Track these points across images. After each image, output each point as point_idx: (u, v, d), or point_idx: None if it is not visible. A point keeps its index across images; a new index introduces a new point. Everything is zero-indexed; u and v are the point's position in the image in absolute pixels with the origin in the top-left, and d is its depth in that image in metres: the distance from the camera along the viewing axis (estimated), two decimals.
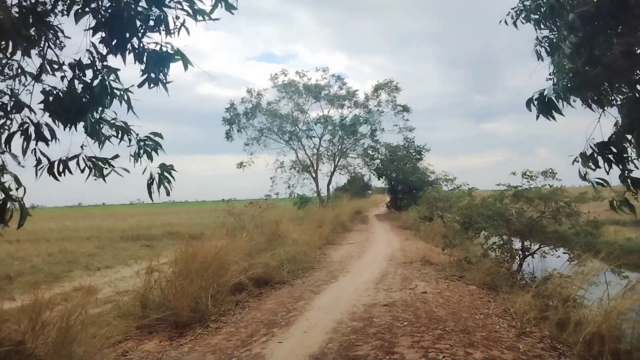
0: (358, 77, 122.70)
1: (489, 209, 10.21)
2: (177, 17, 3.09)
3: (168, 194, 3.33)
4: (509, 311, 6.44)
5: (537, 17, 4.44)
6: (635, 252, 14.31)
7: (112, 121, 3.35)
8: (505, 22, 4.83)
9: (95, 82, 3.14)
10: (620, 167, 3.19)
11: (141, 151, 3.36)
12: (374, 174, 37.69)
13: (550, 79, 3.70)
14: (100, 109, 3.28)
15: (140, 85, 3.19)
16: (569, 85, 3.24)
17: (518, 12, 4.68)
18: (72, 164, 3.21)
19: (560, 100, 3.23)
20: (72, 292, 9.32)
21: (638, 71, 3.28)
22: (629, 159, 3.18)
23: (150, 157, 3.37)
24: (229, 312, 6.82)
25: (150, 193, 3.28)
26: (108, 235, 23.27)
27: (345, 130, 34.02)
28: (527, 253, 9.68)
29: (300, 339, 5.36)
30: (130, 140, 3.39)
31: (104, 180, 3.30)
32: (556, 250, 9.30)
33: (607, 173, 3.22)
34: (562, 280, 7.30)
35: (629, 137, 3.16)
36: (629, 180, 3.14)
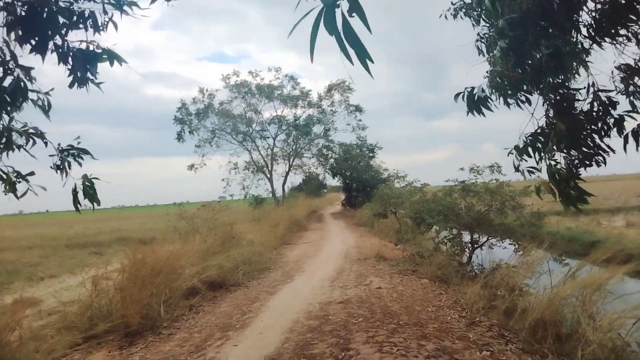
0: (311, 77, 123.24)
1: (440, 204, 10.51)
2: (105, 12, 2.94)
3: (98, 203, 3.17)
4: (460, 302, 6.65)
5: (476, 13, 4.59)
6: (576, 240, 15.20)
7: (24, 128, 3.13)
8: (446, 16, 4.99)
9: (8, 82, 2.91)
10: (548, 158, 3.38)
11: (64, 162, 3.15)
12: (328, 173, 37.99)
13: (487, 77, 3.85)
14: (10, 113, 3.05)
15: (70, 86, 3.02)
16: (499, 85, 3.39)
17: (458, 8, 4.83)
18: None
19: (500, 98, 3.38)
20: (11, 305, 8.78)
21: (561, 75, 3.49)
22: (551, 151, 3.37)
23: (80, 163, 3.18)
24: (182, 317, 6.65)
25: (75, 203, 3.10)
26: (52, 244, 22.06)
27: (299, 130, 34.05)
28: (476, 245, 10.04)
29: (256, 340, 5.30)
30: (46, 144, 3.17)
31: (16, 197, 3.08)
32: (503, 242, 9.70)
33: (537, 163, 3.42)
34: (508, 270, 7.63)
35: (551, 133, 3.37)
36: (553, 170, 3.34)
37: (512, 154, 3.47)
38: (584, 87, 3.50)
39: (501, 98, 3.48)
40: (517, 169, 3.48)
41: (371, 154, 35.06)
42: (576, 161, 3.42)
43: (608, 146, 3.39)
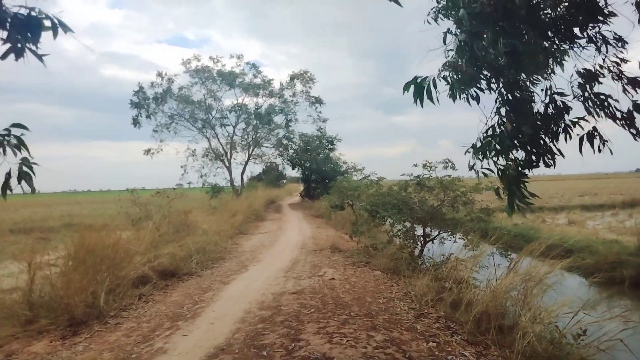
0: (273, 65, 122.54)
1: (395, 197, 10.71)
2: None
3: (33, 191, 2.96)
4: (410, 294, 6.84)
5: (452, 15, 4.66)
6: (521, 236, 15.90)
7: None
8: (428, 21, 5.03)
9: None
10: (504, 158, 3.45)
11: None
12: (288, 164, 37.87)
13: (441, 70, 3.90)
14: None
15: (3, 57, 2.74)
16: (452, 79, 3.41)
17: (437, 11, 4.89)
18: None
19: (450, 91, 3.41)
20: None
21: (518, 75, 3.57)
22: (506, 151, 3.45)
23: (12, 151, 2.93)
24: (131, 306, 6.49)
25: (5, 190, 2.89)
26: None
27: (260, 120, 33.65)
28: (428, 239, 10.31)
29: (206, 330, 5.25)
30: None
31: None
32: (453, 236, 10.03)
33: (495, 164, 3.46)
34: (457, 263, 7.90)
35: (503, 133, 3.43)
36: (508, 172, 3.43)
37: (469, 152, 3.48)
38: (542, 89, 3.58)
39: (450, 91, 3.47)
40: (471, 168, 3.49)
41: (331, 146, 35.21)
42: (523, 162, 3.51)
43: (558, 150, 3.49)
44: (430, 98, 3.26)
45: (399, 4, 1.50)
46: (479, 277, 7.50)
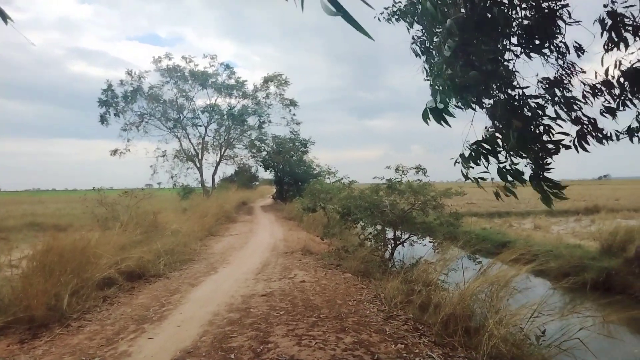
0: (247, 66, 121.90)
1: (366, 200, 10.77)
2: None
3: None
4: (380, 296, 6.87)
5: (410, 17, 4.73)
6: (489, 240, 16.25)
7: None
8: (379, 19, 5.12)
9: None
10: (496, 161, 3.47)
11: None
12: (260, 166, 37.65)
13: (427, 80, 3.94)
14: None
15: None
16: (447, 89, 3.43)
17: (391, 13, 4.97)
18: None
19: (453, 102, 3.44)
20: None
21: (505, 79, 3.63)
22: (500, 153, 3.48)
23: None
24: (95, 309, 6.29)
25: None
26: None
27: (233, 121, 33.36)
28: (398, 242, 10.41)
29: (173, 333, 5.14)
30: None
31: None
32: (423, 239, 10.15)
33: (486, 167, 3.47)
34: (426, 266, 8.00)
35: (499, 135, 3.48)
36: (504, 172, 3.45)
37: (459, 162, 3.46)
38: (519, 94, 3.64)
39: (454, 102, 3.48)
40: (466, 177, 3.46)
41: (304, 149, 35.20)
42: (536, 157, 3.49)
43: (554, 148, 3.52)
44: (449, 115, 3.27)
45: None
46: (448, 280, 7.62)
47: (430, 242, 9.90)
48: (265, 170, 37.96)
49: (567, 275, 10.85)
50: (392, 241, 10.48)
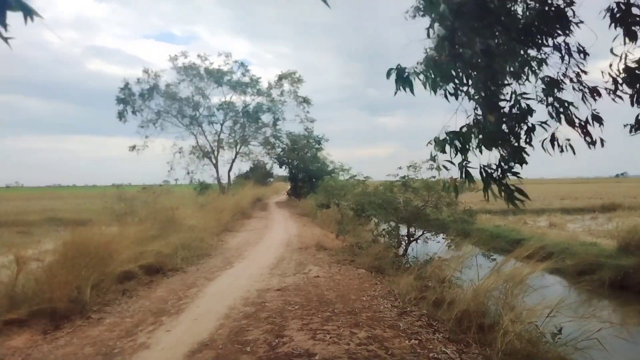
0: (261, 64, 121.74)
1: (380, 197, 10.79)
2: None
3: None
4: (393, 292, 6.90)
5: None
6: (503, 237, 16.11)
7: None
8: (405, 18, 5.12)
9: None
10: (462, 156, 3.50)
11: None
12: (275, 162, 37.79)
13: (420, 63, 3.96)
14: None
15: None
16: (430, 75, 3.46)
17: (416, 9, 4.97)
18: None
19: (429, 83, 3.46)
20: None
21: (491, 73, 3.61)
22: (470, 149, 3.49)
23: None
24: (115, 301, 6.45)
25: None
26: None
27: (248, 118, 33.52)
28: (412, 239, 10.41)
29: (190, 326, 5.25)
30: None
31: None
32: (437, 236, 10.14)
33: (452, 159, 3.51)
34: (440, 263, 8.01)
35: (475, 130, 3.49)
36: (464, 170, 3.49)
37: (432, 144, 3.52)
38: (509, 92, 3.65)
39: (430, 83, 3.52)
40: (432, 159, 3.54)
41: (318, 146, 35.22)
42: (502, 160, 3.54)
43: (524, 147, 3.56)
44: (411, 88, 3.32)
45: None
46: (462, 277, 7.62)
47: (443, 238, 9.89)
48: (280, 167, 38.13)
49: (583, 273, 10.74)
50: (405, 238, 10.49)
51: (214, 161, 33.89)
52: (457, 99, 3.57)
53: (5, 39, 2.80)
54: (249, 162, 38.53)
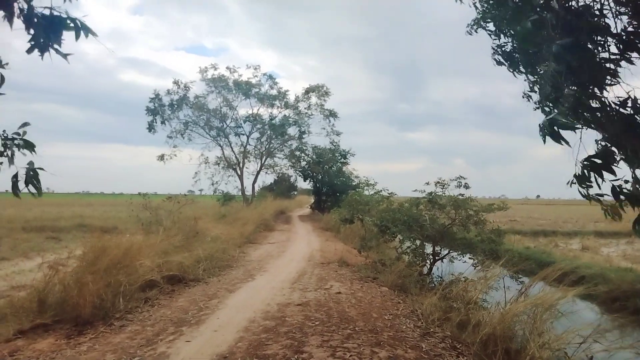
0: (289, 76, 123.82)
1: (405, 214, 10.64)
2: None
3: (40, 194, 3.11)
4: (416, 312, 6.73)
5: (492, 27, 4.66)
6: (532, 260, 15.65)
7: None
8: (469, 32, 5.05)
9: None
10: (612, 177, 3.22)
11: (7, 151, 3.06)
12: (300, 175, 37.91)
13: (526, 96, 3.78)
14: None
15: (29, 51, 2.90)
16: (561, 111, 3.24)
17: (476, 22, 4.91)
18: None
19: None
20: None
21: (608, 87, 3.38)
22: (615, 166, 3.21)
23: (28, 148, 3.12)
24: (137, 309, 6.50)
25: (15, 191, 3.08)
26: (8, 226, 21.17)
27: (274, 130, 33.82)
28: (437, 257, 10.20)
29: (210, 337, 5.23)
30: None
31: None
32: (463, 256, 9.89)
33: (599, 187, 3.25)
34: (466, 284, 7.79)
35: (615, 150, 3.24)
36: (619, 190, 3.22)
37: (575, 183, 3.27)
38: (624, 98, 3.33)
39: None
40: (588, 197, 3.29)
41: (343, 160, 35.18)
42: None
43: None
44: (561, 138, 3.14)
45: None
46: (488, 299, 7.40)
47: (470, 258, 9.65)
48: (304, 180, 38.20)
49: (617, 300, 10.29)
50: (430, 256, 10.28)
51: (239, 172, 34.23)
52: (597, 123, 3.33)
53: (64, 56, 3.01)
54: (274, 174, 38.84)
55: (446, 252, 10.32)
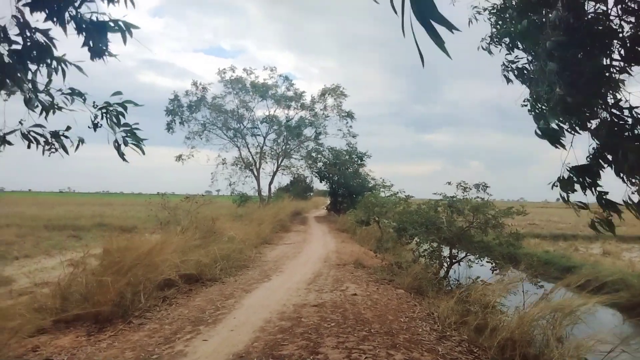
0: (305, 78, 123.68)
1: (423, 216, 10.56)
2: None
3: (143, 152, 3.39)
4: (433, 315, 6.68)
5: (507, 41, 4.63)
6: (552, 264, 15.39)
7: (64, 92, 3.29)
8: (482, 47, 5.03)
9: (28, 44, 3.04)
10: (594, 190, 3.25)
11: (103, 119, 3.34)
12: (316, 176, 37.88)
13: (524, 105, 3.82)
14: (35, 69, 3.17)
15: (92, 58, 3.17)
16: (550, 113, 3.27)
17: (491, 37, 4.89)
18: (13, 138, 3.16)
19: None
20: None
21: (609, 94, 3.36)
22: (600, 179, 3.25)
23: (118, 124, 3.39)
24: (155, 308, 6.58)
25: (121, 155, 3.36)
26: (31, 224, 21.64)
27: (291, 132, 33.91)
28: (454, 260, 10.09)
29: (226, 337, 5.27)
30: (83, 100, 3.37)
31: (66, 152, 3.35)
32: (481, 260, 9.76)
33: (585, 195, 3.28)
34: (484, 287, 7.70)
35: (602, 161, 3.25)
36: (603, 202, 3.22)
37: (557, 186, 3.33)
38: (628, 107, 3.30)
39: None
40: (566, 201, 3.33)
41: (360, 162, 35.09)
42: None
43: None
44: (559, 142, 3.22)
45: (449, 56, 1.46)
46: (507, 303, 7.30)
47: (488, 262, 9.53)
48: (320, 182, 38.10)
49: (639, 306, 10.05)
50: (447, 259, 10.18)
51: (256, 173, 34.41)
52: (586, 130, 3.35)
53: (115, 56, 3.26)
54: (290, 175, 38.94)
55: (463, 255, 10.20)
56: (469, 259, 10.07)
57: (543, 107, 3.41)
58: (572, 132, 3.39)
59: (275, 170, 35.44)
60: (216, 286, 8.33)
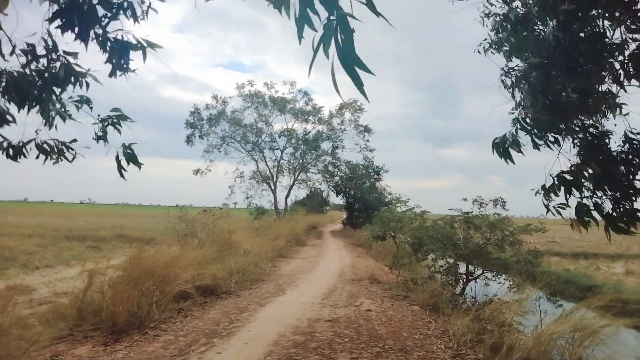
0: (323, 92, 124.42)
1: (439, 232, 10.46)
2: (143, 2, 3.21)
3: (139, 167, 3.52)
4: (448, 333, 6.59)
5: (507, 49, 4.69)
6: (572, 283, 15.05)
7: (73, 99, 3.44)
8: (478, 51, 5.08)
9: (57, 66, 3.20)
10: (577, 194, 3.44)
11: (104, 129, 3.47)
12: (332, 191, 37.94)
13: (512, 113, 3.95)
14: (59, 90, 3.33)
15: (110, 75, 3.32)
16: (527, 128, 3.46)
17: (489, 43, 4.93)
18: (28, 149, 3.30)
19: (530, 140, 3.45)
20: (4, 291, 8.81)
21: (590, 116, 3.52)
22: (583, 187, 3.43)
23: (119, 131, 3.54)
24: (170, 319, 6.65)
25: (120, 169, 3.47)
26: (52, 234, 22.06)
27: (308, 145, 34.11)
28: (470, 277, 9.95)
29: (240, 350, 5.29)
30: (91, 108, 3.51)
31: (69, 161, 3.47)
32: (498, 277, 9.61)
33: (567, 200, 3.45)
34: (500, 305, 7.58)
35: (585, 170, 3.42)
36: (583, 208, 3.40)
37: (540, 193, 3.52)
38: (611, 130, 3.55)
39: (530, 140, 3.57)
40: (547, 208, 3.53)
41: (377, 176, 35.03)
42: (614, 200, 3.43)
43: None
44: (510, 159, 3.55)
45: (367, 99, 1.67)
46: (524, 322, 7.17)
47: (505, 279, 9.37)
48: (337, 196, 38.16)
49: None
50: (464, 276, 10.05)
51: (273, 187, 34.60)
52: (559, 145, 3.58)
53: (133, 71, 3.44)
54: (306, 189, 39.06)
55: (480, 272, 10.06)
56: (486, 276, 9.93)
57: (523, 121, 3.57)
58: (548, 147, 3.61)
59: (292, 183, 35.61)
60: (231, 299, 8.37)
